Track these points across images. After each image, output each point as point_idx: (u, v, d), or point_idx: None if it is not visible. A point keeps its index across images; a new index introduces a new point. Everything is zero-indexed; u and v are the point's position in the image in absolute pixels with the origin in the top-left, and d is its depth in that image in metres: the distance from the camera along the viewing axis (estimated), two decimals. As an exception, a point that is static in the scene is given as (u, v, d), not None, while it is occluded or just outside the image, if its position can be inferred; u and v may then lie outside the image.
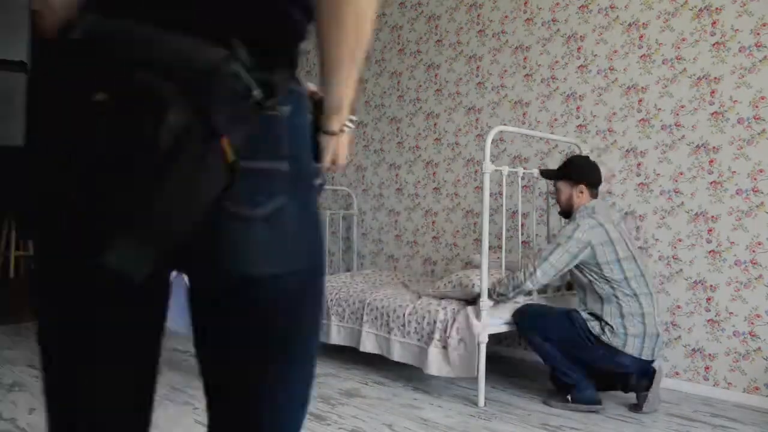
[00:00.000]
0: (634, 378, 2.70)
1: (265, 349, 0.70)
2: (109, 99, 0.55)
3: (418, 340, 2.99)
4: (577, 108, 3.54)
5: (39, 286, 0.70)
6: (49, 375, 0.72)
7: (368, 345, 3.22)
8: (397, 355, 3.06)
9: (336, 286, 3.58)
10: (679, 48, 3.16)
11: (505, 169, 2.97)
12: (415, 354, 3.00)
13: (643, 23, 3.29)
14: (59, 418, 0.72)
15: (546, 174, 3.04)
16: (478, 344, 2.75)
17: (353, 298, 3.38)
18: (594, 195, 2.87)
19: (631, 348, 2.63)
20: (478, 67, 4.02)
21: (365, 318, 3.25)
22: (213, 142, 0.57)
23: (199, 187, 0.58)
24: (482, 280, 2.77)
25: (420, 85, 4.37)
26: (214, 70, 0.57)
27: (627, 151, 3.33)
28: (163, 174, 0.55)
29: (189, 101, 0.56)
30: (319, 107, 0.80)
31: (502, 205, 3.32)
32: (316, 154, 0.80)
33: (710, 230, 3.04)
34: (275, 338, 0.70)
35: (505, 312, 2.90)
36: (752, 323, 2.89)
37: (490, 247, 2.95)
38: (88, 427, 0.71)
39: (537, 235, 3.43)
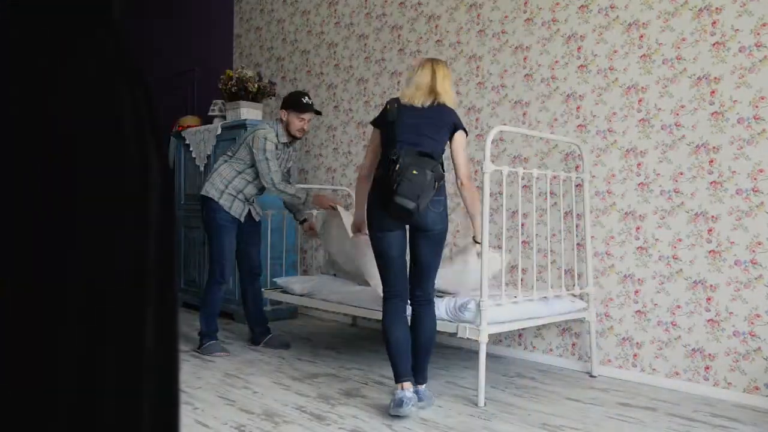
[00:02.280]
0: None
1: (432, 249, 2.67)
2: (399, 169, 2.55)
3: None
4: (577, 108, 3.53)
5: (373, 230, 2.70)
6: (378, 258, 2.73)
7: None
8: None
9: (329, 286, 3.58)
10: (679, 48, 3.16)
11: (505, 169, 2.97)
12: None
13: (643, 23, 3.29)
14: (383, 271, 2.70)
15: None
16: (479, 344, 2.75)
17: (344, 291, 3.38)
18: None
19: None
20: (478, 67, 4.02)
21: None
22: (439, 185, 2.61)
23: (431, 193, 2.55)
24: (482, 280, 2.77)
25: (420, 85, 4.36)
26: (432, 181, 2.54)
27: (627, 151, 3.33)
28: (428, 190, 2.53)
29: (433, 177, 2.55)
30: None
31: (502, 205, 3.32)
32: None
33: (710, 230, 3.04)
34: (436, 247, 2.67)
35: (506, 312, 2.90)
36: (752, 323, 2.89)
37: (490, 247, 2.94)
38: (395, 274, 2.69)
39: (537, 235, 3.42)
